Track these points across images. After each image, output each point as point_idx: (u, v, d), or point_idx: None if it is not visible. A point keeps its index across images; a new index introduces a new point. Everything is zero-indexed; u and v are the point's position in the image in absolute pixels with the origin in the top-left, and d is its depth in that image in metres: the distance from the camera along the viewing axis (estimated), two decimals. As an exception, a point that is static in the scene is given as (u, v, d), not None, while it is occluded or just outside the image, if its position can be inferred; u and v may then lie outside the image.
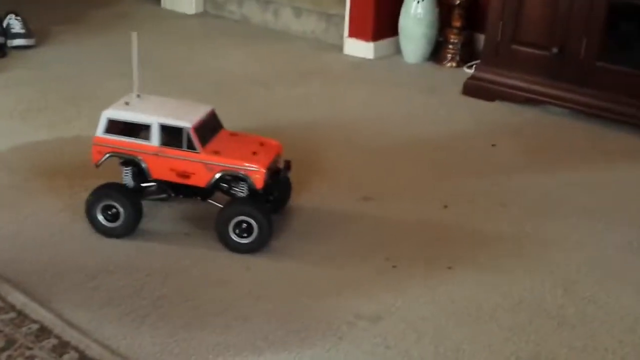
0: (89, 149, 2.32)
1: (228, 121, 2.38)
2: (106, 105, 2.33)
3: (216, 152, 2.23)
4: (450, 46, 3.81)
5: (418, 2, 3.75)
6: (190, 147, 2.23)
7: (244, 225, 2.22)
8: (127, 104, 2.31)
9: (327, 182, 2.68)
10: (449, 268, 2.22)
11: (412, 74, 3.76)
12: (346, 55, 3.95)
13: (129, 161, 2.31)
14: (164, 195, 2.37)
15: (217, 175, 2.24)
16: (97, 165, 2.32)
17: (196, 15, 4.56)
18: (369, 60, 3.88)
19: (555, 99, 3.25)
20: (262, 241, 2.24)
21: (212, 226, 2.29)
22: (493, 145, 2.99)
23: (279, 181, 2.36)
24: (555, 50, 3.20)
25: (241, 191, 2.28)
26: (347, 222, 2.46)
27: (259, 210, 2.23)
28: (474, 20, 3.79)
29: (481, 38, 3.57)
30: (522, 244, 2.35)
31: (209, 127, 2.29)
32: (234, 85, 3.52)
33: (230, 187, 2.31)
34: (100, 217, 2.31)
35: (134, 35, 2.29)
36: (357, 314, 2.02)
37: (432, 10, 3.78)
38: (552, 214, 2.51)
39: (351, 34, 3.94)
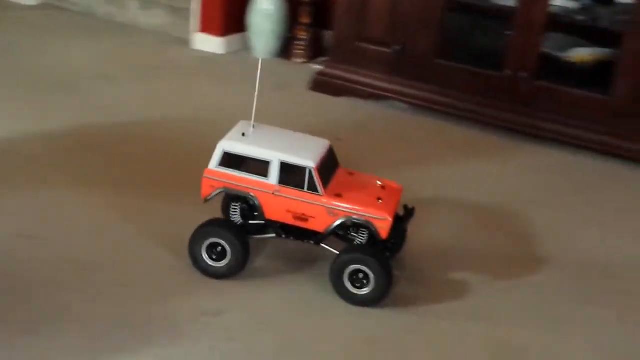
0: None
1: (70, 118, 2.29)
2: None
3: (339, 195, 2.05)
4: (299, 42, 3.85)
5: (266, -2, 3.77)
6: (312, 188, 2.04)
7: (360, 274, 2.05)
8: (243, 135, 2.10)
9: (177, 181, 2.64)
10: (300, 262, 2.25)
11: (262, 69, 3.76)
12: (195, 50, 3.91)
13: (240, 198, 2.11)
14: (272, 235, 2.16)
15: (339, 222, 2.05)
16: (207, 200, 2.11)
17: (37, 7, 4.34)
18: (219, 55, 3.86)
19: (398, 95, 3.37)
20: (380, 292, 2.05)
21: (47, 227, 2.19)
22: (338, 139, 3.05)
23: (398, 228, 2.17)
24: (397, 47, 3.31)
25: (361, 238, 2.11)
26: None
27: (378, 259, 2.03)
28: (322, 17, 3.85)
29: (329, 35, 3.64)
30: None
31: (329, 166, 2.11)
32: (76, 80, 3.38)
33: (348, 233, 2.13)
34: (205, 256, 2.11)
35: (260, 61, 2.15)
36: (202, 310, 2.01)
37: (281, 6, 3.81)
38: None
39: (201, 29, 3.90)
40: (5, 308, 1.95)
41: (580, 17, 3.15)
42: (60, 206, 2.42)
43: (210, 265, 2.11)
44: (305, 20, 3.85)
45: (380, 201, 2.07)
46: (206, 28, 3.89)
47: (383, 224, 2.03)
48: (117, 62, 3.65)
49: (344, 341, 1.97)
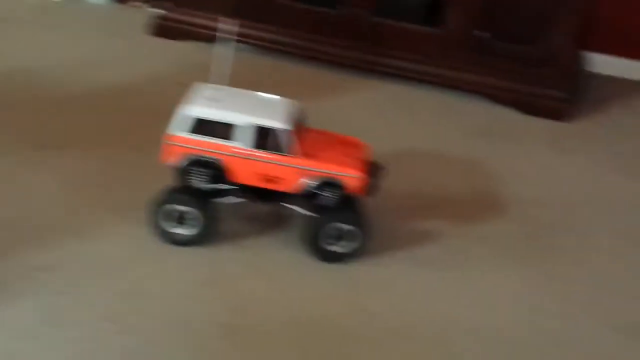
0: None
1: None
2: None
3: (309, 155, 2.04)
4: (135, -15, 3.74)
5: (96, -61, 3.60)
6: (286, 150, 2.03)
7: (341, 233, 2.08)
8: (210, 99, 2.07)
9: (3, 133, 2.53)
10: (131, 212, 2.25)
11: (97, 15, 3.63)
12: (24, -2, 3.69)
13: (204, 163, 2.05)
14: (236, 199, 2.12)
15: (312, 182, 2.05)
16: (174, 169, 2.07)
17: None
18: (50, 2, 3.67)
19: (239, 36, 3.35)
20: (361, 250, 2.12)
21: None
22: (179, 83, 3.02)
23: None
24: (234, -12, 3.30)
25: (333, 198, 2.08)
26: (27, 173, 2.36)
27: (360, 217, 2.09)
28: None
29: (165, -24, 3.55)
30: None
31: (299, 126, 2.09)
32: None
33: (318, 193, 2.09)
34: (169, 225, 2.07)
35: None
36: (33, 266, 1.98)
37: (112, -53, 3.66)
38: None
39: (27, -25, 3.68)
40: None
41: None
42: None
43: (178, 233, 2.09)
44: (139, -39, 3.73)
45: (351, 158, 2.10)
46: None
47: (358, 182, 2.06)
48: None
49: (176, 283, 2.02)
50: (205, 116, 2.05)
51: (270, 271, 2.10)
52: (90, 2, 3.72)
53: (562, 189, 2.68)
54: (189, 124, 2.06)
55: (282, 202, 2.14)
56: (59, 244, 2.08)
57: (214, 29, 3.40)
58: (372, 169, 2.14)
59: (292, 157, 2.04)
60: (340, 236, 2.10)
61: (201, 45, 3.37)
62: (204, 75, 3.16)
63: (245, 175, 2.07)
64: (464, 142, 2.87)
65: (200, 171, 2.07)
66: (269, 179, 2.07)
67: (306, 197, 2.10)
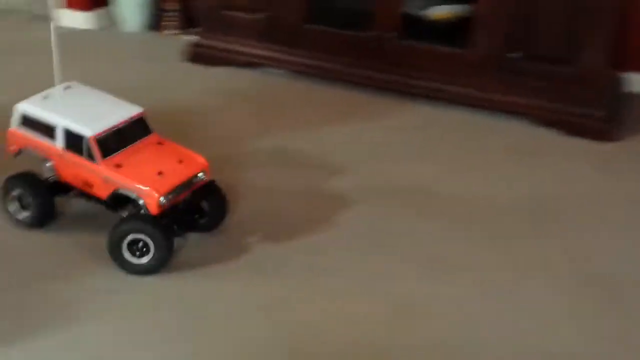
0: None
1: None
2: None
3: (118, 166, 2.06)
4: (169, 14, 3.81)
5: (131, -30, 3.70)
6: (90, 156, 2.06)
7: (140, 243, 2.05)
8: (45, 98, 2.17)
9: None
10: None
11: (134, 44, 3.72)
12: (63, 27, 3.79)
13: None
14: (77, 196, 2.21)
15: (114, 192, 2.08)
16: (15, 156, 2.24)
17: None
18: (88, 30, 3.77)
19: (271, 61, 3.42)
20: (161, 260, 2.07)
21: None
22: (217, 108, 3.09)
23: (199, 201, 2.18)
24: (265, 14, 3.35)
25: (134, 209, 2.10)
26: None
27: (158, 228, 2.04)
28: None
29: (199, 4, 3.62)
30: (257, 196, 2.49)
31: (124, 135, 2.10)
32: None
33: (132, 204, 2.10)
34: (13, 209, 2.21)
35: (53, 26, 2.24)
36: (98, 289, 2.01)
37: (148, -23, 3.75)
38: (285, 167, 2.68)
39: (66, 4, 3.79)
40: None
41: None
42: None
43: (16, 218, 2.23)
44: (174, -10, 3.81)
45: (160, 175, 2.07)
46: (72, 3, 3.78)
47: (150, 200, 2.03)
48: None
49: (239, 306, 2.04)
50: (31, 113, 2.16)
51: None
52: (126, 31, 3.81)
53: (611, 211, 2.58)
54: (18, 118, 2.19)
55: (106, 206, 2.17)
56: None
57: (246, 54, 3.48)
58: (204, 191, 2.15)
59: (96, 165, 2.07)
60: (144, 248, 2.05)
61: (235, 70, 3.43)
62: (236, 99, 3.23)
63: (68, 175, 2.15)
64: (505, 163, 2.83)
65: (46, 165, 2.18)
66: (85, 183, 2.13)
67: (116, 205, 2.13)
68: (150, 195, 2.03)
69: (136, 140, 2.14)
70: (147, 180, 2.04)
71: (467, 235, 2.38)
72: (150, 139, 2.18)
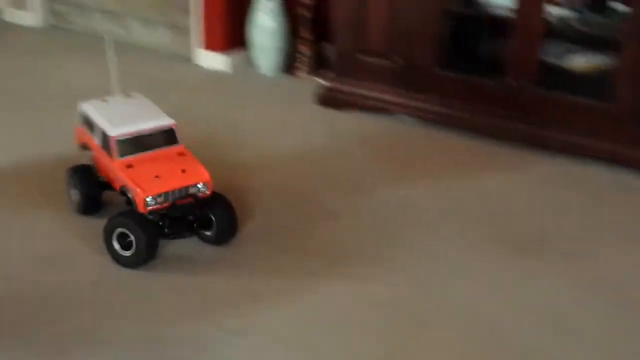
0: None
1: (69, 136, 2.43)
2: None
3: (128, 166, 2.30)
4: (302, 57, 3.90)
5: (267, 14, 3.80)
6: (111, 154, 2.33)
7: (128, 238, 2.26)
8: (103, 101, 2.49)
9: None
10: (310, 274, 2.29)
11: (266, 85, 3.82)
12: (199, 67, 3.95)
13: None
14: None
15: (121, 187, 2.34)
16: (80, 150, 2.57)
17: (40, 28, 4.39)
18: (223, 72, 3.90)
19: (404, 108, 3.41)
20: (140, 254, 2.25)
21: (73, 248, 2.31)
22: (349, 154, 3.10)
23: (199, 211, 2.34)
24: (398, 60, 3.36)
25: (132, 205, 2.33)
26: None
27: (140, 224, 2.24)
28: (324, 31, 3.89)
29: (332, 49, 3.68)
30: (381, 251, 2.46)
31: (147, 141, 2.35)
32: (79, 99, 3.41)
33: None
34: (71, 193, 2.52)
35: (108, 38, 2.63)
36: (223, 327, 2.05)
37: (282, 21, 3.85)
38: (413, 220, 2.64)
39: (203, 46, 3.94)
40: (31, 332, 1.98)
41: (577, 25, 3.19)
42: (69, 229, 2.47)
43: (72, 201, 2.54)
44: (307, 34, 3.89)
45: (156, 179, 2.28)
46: (208, 45, 3.93)
47: (138, 198, 2.26)
48: (121, 81, 3.70)
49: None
50: (86, 112, 2.47)
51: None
52: (259, 73, 3.92)
53: None
54: (80, 117, 2.51)
55: (126, 201, 2.36)
56: (250, 308, 2.14)
57: (377, 100, 3.50)
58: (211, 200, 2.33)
59: (113, 162, 2.33)
60: (130, 242, 2.25)
61: (364, 114, 3.46)
62: (364, 143, 3.24)
63: (102, 169, 2.45)
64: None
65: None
66: (109, 178, 2.40)
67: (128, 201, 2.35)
68: (139, 195, 2.25)
69: (159, 148, 2.37)
70: (141, 181, 2.26)
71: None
72: (175, 149, 2.39)
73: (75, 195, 2.51)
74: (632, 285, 2.33)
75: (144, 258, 2.26)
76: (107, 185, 2.45)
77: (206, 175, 2.32)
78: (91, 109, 2.45)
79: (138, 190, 2.25)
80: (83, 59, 3.90)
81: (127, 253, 2.25)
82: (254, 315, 2.11)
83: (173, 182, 2.28)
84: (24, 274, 2.24)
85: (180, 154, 2.37)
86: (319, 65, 3.90)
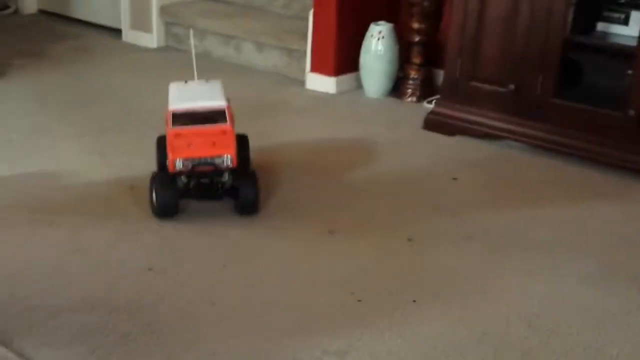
0: (50, 182, 2.44)
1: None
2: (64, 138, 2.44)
3: (176, 135, 2.57)
4: (411, 82, 3.88)
5: (378, 39, 3.82)
6: (167, 124, 2.62)
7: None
8: (185, 82, 2.74)
9: (292, 214, 2.70)
10: (414, 302, 2.24)
11: (374, 108, 3.82)
12: (308, 89, 4.00)
13: None
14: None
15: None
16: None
17: (157, 49, 4.58)
18: (331, 94, 3.93)
19: (513, 134, 3.33)
20: (157, 206, 2.60)
21: (175, 261, 2.32)
22: (454, 179, 3.05)
23: (216, 176, 2.61)
24: (512, 86, 3.28)
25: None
26: (312, 255, 2.47)
27: (155, 179, 2.63)
28: (433, 56, 3.87)
29: (441, 74, 3.65)
30: (486, 278, 2.39)
31: (200, 117, 2.59)
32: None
33: None
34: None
35: (192, 32, 3.08)
36: (324, 349, 2.03)
37: (393, 46, 3.85)
38: (515, 248, 2.56)
39: (313, 69, 3.99)
40: (142, 343, 2.03)
41: None
42: (182, 240, 2.52)
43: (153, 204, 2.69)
44: (417, 59, 3.88)
45: (188, 146, 2.55)
46: (318, 68, 3.98)
47: (169, 160, 2.57)
48: (233, 102, 3.78)
49: None
50: (169, 91, 2.70)
51: None
52: (367, 97, 3.93)
53: None
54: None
55: None
56: (351, 331, 2.10)
57: (485, 125, 3.43)
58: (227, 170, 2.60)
59: (168, 130, 2.60)
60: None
61: (471, 140, 3.40)
62: (472, 170, 3.18)
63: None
64: None
65: None
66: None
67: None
68: (169, 156, 2.56)
69: (209, 123, 2.59)
70: (175, 147, 2.54)
71: None
72: (221, 127, 2.59)
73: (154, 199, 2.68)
74: None
75: (161, 210, 2.59)
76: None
77: (232, 149, 2.56)
78: (173, 88, 2.71)
79: (170, 152, 2.55)
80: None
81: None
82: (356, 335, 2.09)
83: (201, 151, 2.56)
84: (133, 284, 2.30)
85: (223, 132, 2.58)
86: (427, 90, 3.87)
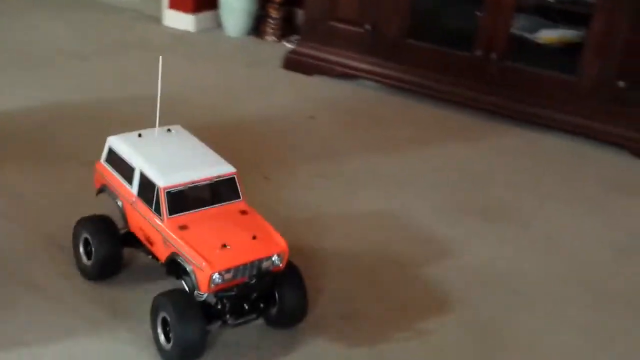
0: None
1: (41, 96, 2.24)
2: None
3: (183, 228, 1.73)
4: (271, 21, 3.85)
5: (238, -25, 3.75)
6: (158, 210, 1.75)
7: (168, 327, 1.71)
8: (139, 136, 1.91)
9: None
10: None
11: (234, 47, 3.77)
12: (166, 27, 3.89)
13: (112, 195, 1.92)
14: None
15: (171, 255, 1.75)
16: (97, 194, 1.98)
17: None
18: (190, 33, 3.84)
19: (369, 74, 3.40)
20: (176, 348, 1.68)
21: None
22: (311, 117, 3.09)
23: (263, 289, 1.77)
24: (368, 27, 3.34)
25: (187, 283, 1.76)
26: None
27: (178, 307, 1.67)
28: (293, -5, 3.87)
29: (301, 13, 3.65)
30: (343, 212, 2.45)
31: (204, 195, 1.80)
32: (47, 58, 3.35)
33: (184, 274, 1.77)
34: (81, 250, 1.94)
35: (161, 60, 1.93)
36: None
37: (252, -16, 3.80)
38: (370, 184, 2.64)
39: (171, 5, 3.88)
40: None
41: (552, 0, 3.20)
42: (26, 182, 2.41)
43: (84, 263, 1.94)
44: (277, -2, 3.86)
45: (223, 249, 1.70)
46: (177, 5, 3.87)
47: (200, 274, 1.67)
48: (89, 39, 3.63)
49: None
50: (117, 148, 1.88)
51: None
52: (227, 35, 3.87)
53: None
54: (106, 152, 1.94)
55: (166, 271, 1.81)
56: None
57: (343, 65, 3.48)
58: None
59: (159, 219, 1.76)
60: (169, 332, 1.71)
61: (329, 80, 3.44)
62: (330, 109, 3.23)
63: (135, 226, 1.86)
64: (602, 196, 2.72)
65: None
66: (147, 239, 1.81)
67: (178, 271, 1.78)
68: (204, 270, 1.66)
69: (217, 203, 1.81)
70: (207, 251, 1.68)
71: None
72: (235, 205, 1.82)
73: (89, 254, 1.94)
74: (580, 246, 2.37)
75: (181, 355, 1.70)
76: (130, 241, 1.92)
77: (283, 243, 1.76)
78: (123, 145, 1.87)
79: (204, 263, 1.67)
80: (52, 17, 3.83)
81: (167, 346, 1.71)
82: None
83: (245, 253, 1.71)
84: None
85: (243, 212, 1.81)
86: (287, 29, 3.86)
